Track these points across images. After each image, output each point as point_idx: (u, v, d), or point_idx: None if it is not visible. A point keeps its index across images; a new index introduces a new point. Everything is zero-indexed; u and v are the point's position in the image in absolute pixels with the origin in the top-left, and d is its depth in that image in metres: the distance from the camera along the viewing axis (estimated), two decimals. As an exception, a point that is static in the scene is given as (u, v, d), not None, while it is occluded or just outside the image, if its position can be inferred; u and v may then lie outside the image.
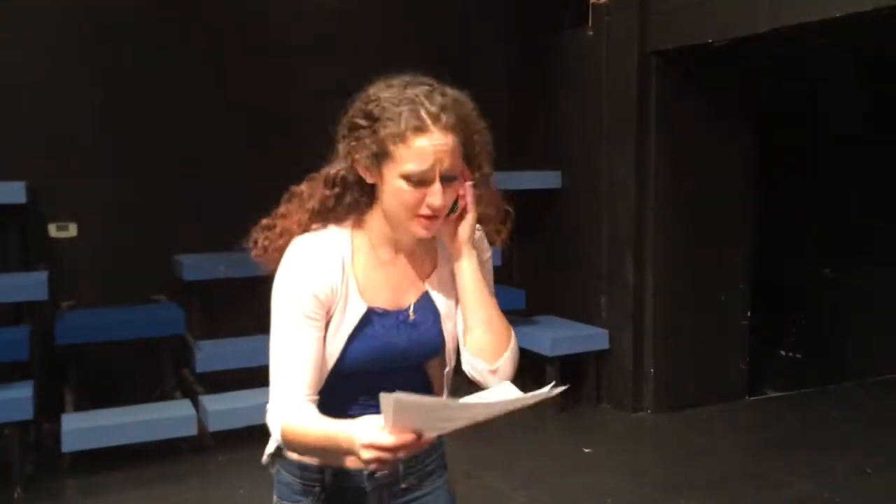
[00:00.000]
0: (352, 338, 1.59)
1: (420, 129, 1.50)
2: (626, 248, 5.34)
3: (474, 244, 1.65)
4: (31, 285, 4.49)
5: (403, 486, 1.69)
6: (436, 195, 1.52)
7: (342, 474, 1.64)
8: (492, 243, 1.74)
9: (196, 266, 4.99)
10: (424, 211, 1.53)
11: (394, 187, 1.53)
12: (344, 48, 5.45)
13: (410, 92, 1.52)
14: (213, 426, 4.57)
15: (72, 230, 5.02)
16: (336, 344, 1.58)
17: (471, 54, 5.58)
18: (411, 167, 1.50)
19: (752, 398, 5.71)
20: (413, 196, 1.52)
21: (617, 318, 5.45)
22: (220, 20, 5.26)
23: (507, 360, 1.64)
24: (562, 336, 5.41)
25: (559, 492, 4.22)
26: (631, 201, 5.28)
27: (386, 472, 1.64)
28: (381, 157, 1.53)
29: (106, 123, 5.03)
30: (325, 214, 1.62)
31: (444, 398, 1.31)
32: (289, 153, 5.42)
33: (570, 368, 5.37)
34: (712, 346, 5.54)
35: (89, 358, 4.78)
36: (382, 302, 1.63)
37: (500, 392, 1.46)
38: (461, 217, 1.61)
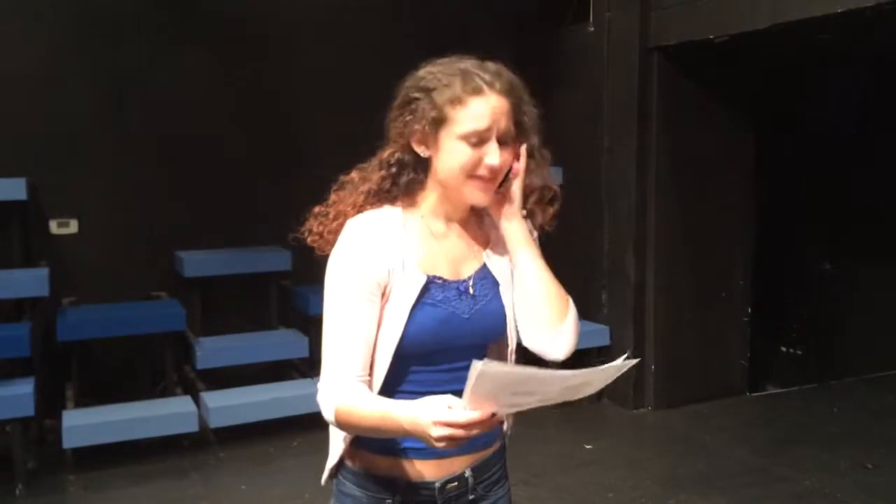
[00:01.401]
0: (414, 309, 1.57)
1: (477, 90, 1.54)
2: (627, 244, 5.33)
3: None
4: (32, 282, 4.49)
5: (471, 497, 1.67)
6: (493, 154, 1.54)
7: (413, 488, 1.61)
8: (535, 223, 1.73)
9: (197, 262, 4.99)
10: (482, 171, 1.55)
11: (452, 150, 1.55)
12: (346, 46, 5.45)
13: (462, 64, 1.58)
14: (214, 422, 4.58)
15: (73, 227, 5.02)
16: (398, 317, 1.56)
17: (471, 50, 5.57)
18: (470, 126, 1.53)
19: (753, 394, 5.71)
20: (471, 156, 1.54)
21: (618, 314, 5.45)
22: (220, 16, 5.26)
23: (570, 323, 1.64)
24: (563, 332, 5.40)
25: (560, 487, 4.22)
26: (632, 197, 5.27)
27: (455, 484, 1.63)
28: (438, 122, 1.55)
29: (106, 120, 5.03)
30: (381, 195, 1.63)
31: (529, 368, 1.29)
32: (290, 150, 5.45)
33: (570, 365, 5.36)
34: (713, 342, 5.54)
35: (90, 354, 4.79)
36: (442, 272, 1.61)
37: (575, 374, 1.42)
38: (509, 190, 1.62)
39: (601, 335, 5.47)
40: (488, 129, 1.54)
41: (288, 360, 5.19)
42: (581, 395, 1.42)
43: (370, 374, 1.58)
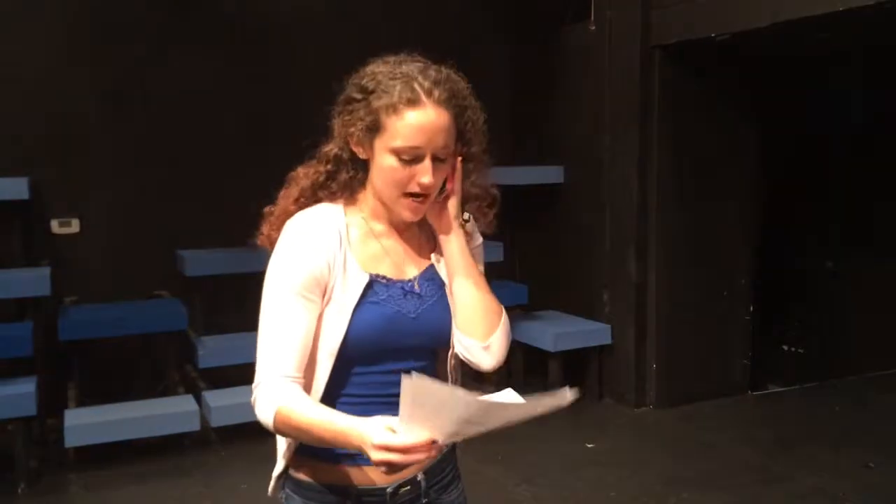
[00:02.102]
0: (357, 308, 1.54)
1: (413, 101, 1.49)
2: (629, 242, 5.33)
3: (466, 230, 1.63)
4: (33, 281, 4.50)
5: (424, 500, 1.64)
6: (426, 173, 1.50)
7: (364, 494, 1.58)
8: (478, 227, 1.70)
9: (198, 261, 4.99)
10: (413, 188, 1.51)
11: (384, 163, 1.51)
12: (346, 44, 5.43)
13: (405, 67, 1.53)
14: (216, 421, 4.58)
15: (74, 226, 5.03)
16: (341, 317, 1.53)
17: (473, 48, 5.57)
18: (402, 142, 1.49)
19: (754, 393, 5.71)
20: (403, 173, 1.50)
21: (619, 313, 5.45)
22: (222, 15, 5.26)
23: (498, 337, 1.62)
24: (564, 331, 5.41)
25: (562, 486, 4.22)
26: (633, 196, 5.27)
27: (408, 488, 1.60)
28: (373, 129, 1.51)
29: (108, 120, 5.04)
30: (317, 191, 1.60)
31: (463, 392, 1.28)
32: (291, 148, 5.45)
33: (572, 363, 5.37)
34: (715, 341, 5.54)
35: (92, 353, 4.79)
36: (384, 271, 1.59)
37: (504, 397, 1.41)
38: (446, 196, 1.59)
39: (603, 334, 5.47)
40: (422, 147, 1.49)
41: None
42: (526, 417, 1.38)
43: (309, 377, 1.55)
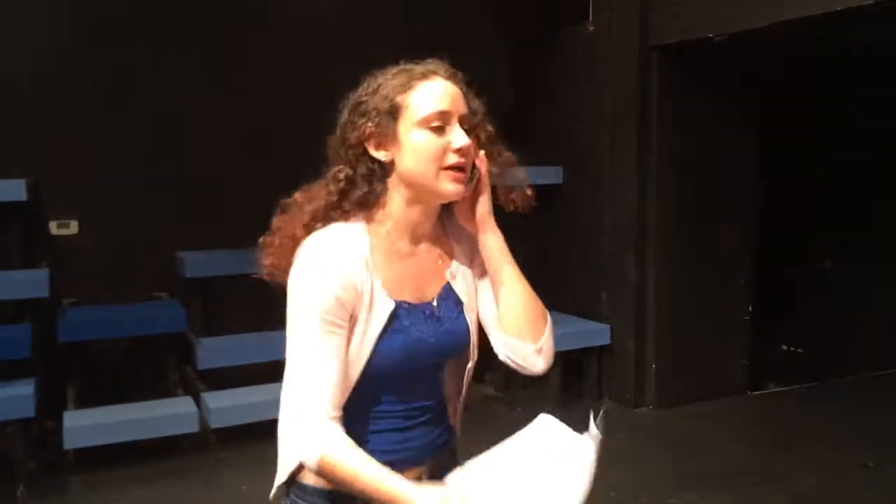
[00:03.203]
0: (381, 337, 1.49)
1: (424, 75, 1.49)
2: (628, 243, 5.33)
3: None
4: (32, 282, 4.49)
5: None
6: (459, 136, 1.46)
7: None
8: (520, 209, 1.66)
9: (197, 263, 4.99)
10: (451, 159, 1.47)
11: (415, 141, 1.46)
12: (344, 45, 5.44)
13: (401, 64, 1.53)
14: (215, 423, 4.57)
15: (73, 227, 5.02)
16: (365, 346, 1.48)
17: (472, 49, 5.56)
18: (429, 108, 1.46)
19: (753, 393, 5.71)
20: (436, 143, 1.46)
21: (619, 313, 5.45)
22: (221, 16, 5.25)
23: (548, 338, 1.59)
24: (564, 332, 5.40)
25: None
26: (632, 196, 5.27)
27: None
28: (393, 113, 1.47)
29: (107, 121, 5.03)
30: (330, 212, 1.53)
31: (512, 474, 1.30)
32: (290, 150, 5.43)
33: (572, 364, 5.37)
34: (714, 341, 5.54)
35: (91, 355, 4.78)
36: (408, 296, 1.54)
37: (541, 428, 1.39)
38: (476, 194, 1.55)
39: (602, 334, 5.47)
40: (448, 112, 1.47)
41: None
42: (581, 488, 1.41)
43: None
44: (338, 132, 1.55)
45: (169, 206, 5.16)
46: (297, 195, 1.59)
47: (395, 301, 1.51)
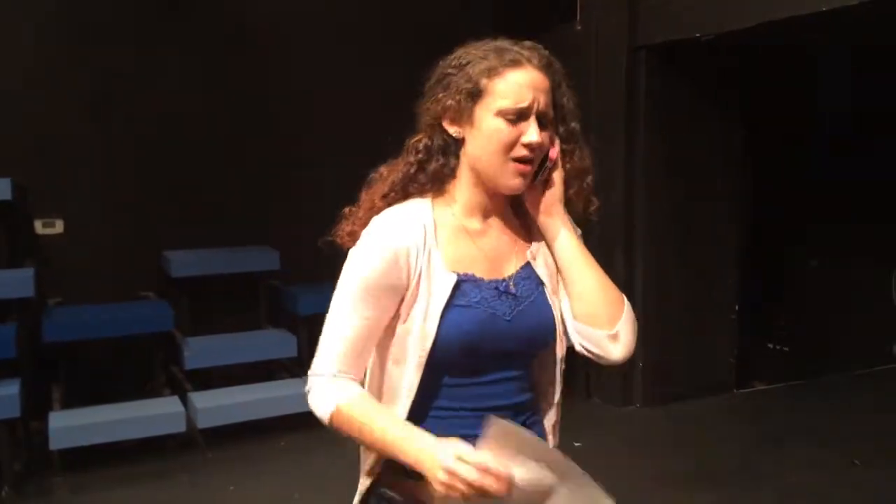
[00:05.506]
0: (445, 312, 1.44)
1: (515, 62, 1.46)
2: (616, 242, 5.34)
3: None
4: (17, 282, 4.46)
5: None
6: (532, 131, 1.44)
7: None
8: (583, 213, 1.63)
9: (184, 262, 4.96)
10: (520, 152, 1.45)
11: (489, 127, 1.45)
12: (333, 47, 5.43)
13: (497, 42, 1.50)
14: (202, 423, 4.56)
15: (58, 227, 4.99)
16: (430, 322, 1.43)
17: (456, 47, 5.57)
18: (509, 100, 1.44)
19: (740, 391, 5.73)
20: (509, 133, 1.44)
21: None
22: (206, 16, 5.23)
23: (625, 324, 1.52)
24: (551, 330, 5.41)
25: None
26: (620, 196, 5.28)
27: None
28: (474, 95, 1.45)
29: (92, 119, 5.00)
30: (409, 184, 1.52)
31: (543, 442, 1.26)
32: (276, 151, 5.43)
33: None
34: (701, 340, 5.56)
35: (77, 355, 4.75)
36: (477, 271, 1.49)
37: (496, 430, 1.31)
38: (547, 181, 1.53)
39: (590, 333, 5.47)
40: (527, 105, 1.44)
41: (277, 359, 5.17)
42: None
43: (397, 386, 1.48)
44: (424, 97, 1.54)
45: (155, 206, 5.13)
46: (383, 168, 1.58)
47: (458, 274, 1.47)
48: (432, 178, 1.51)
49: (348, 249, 1.52)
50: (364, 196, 1.58)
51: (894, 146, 5.89)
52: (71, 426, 4.29)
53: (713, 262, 5.58)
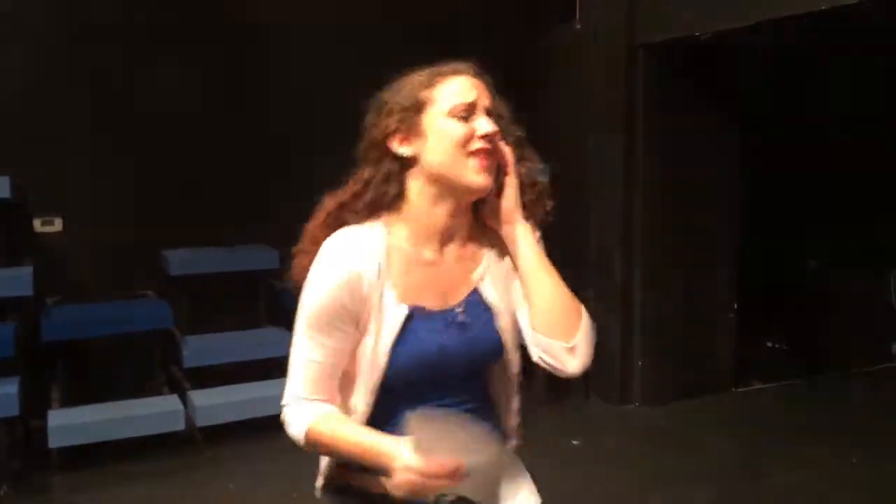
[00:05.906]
0: (396, 343, 1.47)
1: (453, 71, 1.51)
2: (614, 240, 5.35)
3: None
4: (15, 280, 4.45)
5: None
6: (485, 122, 1.47)
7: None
8: (541, 216, 1.64)
9: (183, 261, 4.97)
10: (477, 144, 1.46)
11: (441, 129, 1.46)
12: (332, 47, 5.42)
13: (423, 68, 1.53)
14: (201, 421, 4.56)
15: (57, 225, 4.98)
16: (380, 353, 1.47)
17: (457, 49, 5.57)
18: (455, 99, 1.47)
19: (739, 389, 5.73)
20: (463, 129, 1.46)
21: (604, 311, 5.46)
22: (205, 15, 5.22)
23: (583, 336, 1.52)
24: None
25: (548, 484, 4.20)
26: (618, 194, 5.28)
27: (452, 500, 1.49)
28: (417, 108, 1.47)
29: (91, 118, 4.99)
30: (343, 212, 1.53)
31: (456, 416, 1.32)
32: (276, 150, 5.43)
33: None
34: (699, 339, 5.56)
35: (76, 353, 4.75)
36: (428, 302, 1.50)
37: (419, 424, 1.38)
38: (501, 189, 1.53)
39: (588, 332, 5.47)
40: (474, 100, 1.47)
41: (276, 358, 5.16)
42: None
43: (351, 409, 1.52)
44: (364, 132, 1.55)
45: (154, 204, 5.13)
46: (325, 198, 1.59)
47: (409, 307, 1.49)
48: (367, 206, 1.51)
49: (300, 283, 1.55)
50: (306, 227, 1.59)
51: (893, 146, 5.90)
52: (70, 424, 4.29)
53: (712, 261, 5.58)
